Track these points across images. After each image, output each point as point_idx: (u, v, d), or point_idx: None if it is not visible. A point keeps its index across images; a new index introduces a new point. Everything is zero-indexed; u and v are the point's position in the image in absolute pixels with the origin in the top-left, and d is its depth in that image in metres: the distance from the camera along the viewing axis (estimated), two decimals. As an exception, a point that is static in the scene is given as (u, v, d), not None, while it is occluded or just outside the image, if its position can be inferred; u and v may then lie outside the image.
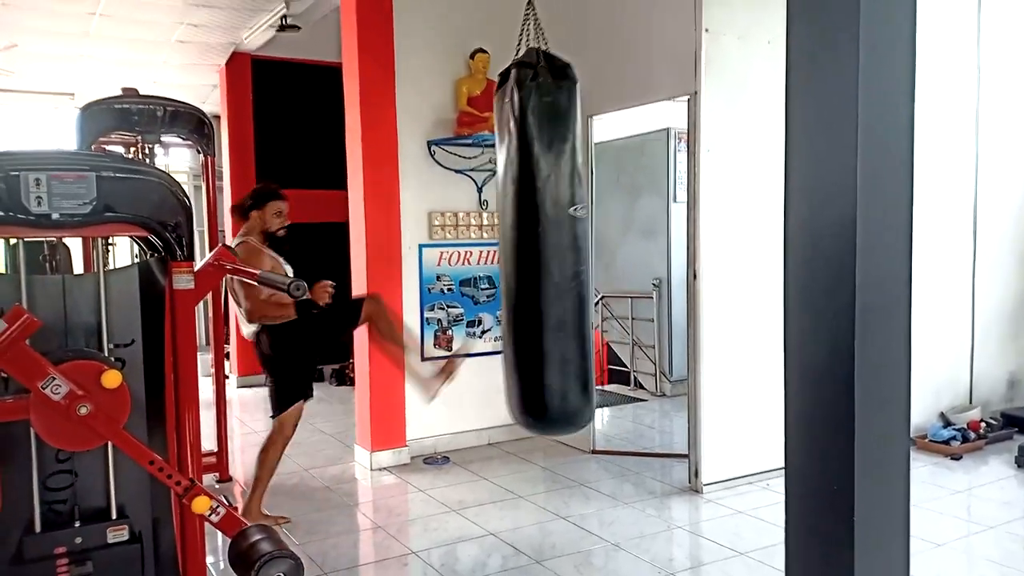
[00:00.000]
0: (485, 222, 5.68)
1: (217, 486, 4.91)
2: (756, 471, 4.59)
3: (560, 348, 3.20)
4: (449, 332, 5.60)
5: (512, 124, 3.17)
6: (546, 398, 3.23)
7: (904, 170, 1.90)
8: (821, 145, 1.92)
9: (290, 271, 4.19)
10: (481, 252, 5.69)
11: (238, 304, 4.09)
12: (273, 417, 4.18)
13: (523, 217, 3.17)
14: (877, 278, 1.88)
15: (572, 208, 3.19)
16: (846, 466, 1.89)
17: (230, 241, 4.14)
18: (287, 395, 4.16)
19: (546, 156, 3.15)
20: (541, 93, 3.14)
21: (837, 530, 1.91)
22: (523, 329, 3.24)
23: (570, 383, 3.23)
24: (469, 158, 5.57)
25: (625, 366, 7.72)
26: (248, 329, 4.18)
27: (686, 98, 4.48)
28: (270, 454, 4.14)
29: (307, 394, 4.24)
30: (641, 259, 7.46)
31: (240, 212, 4.27)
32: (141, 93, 5.02)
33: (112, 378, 1.97)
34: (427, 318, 5.51)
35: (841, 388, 1.88)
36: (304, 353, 4.24)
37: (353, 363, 5.79)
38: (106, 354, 2.14)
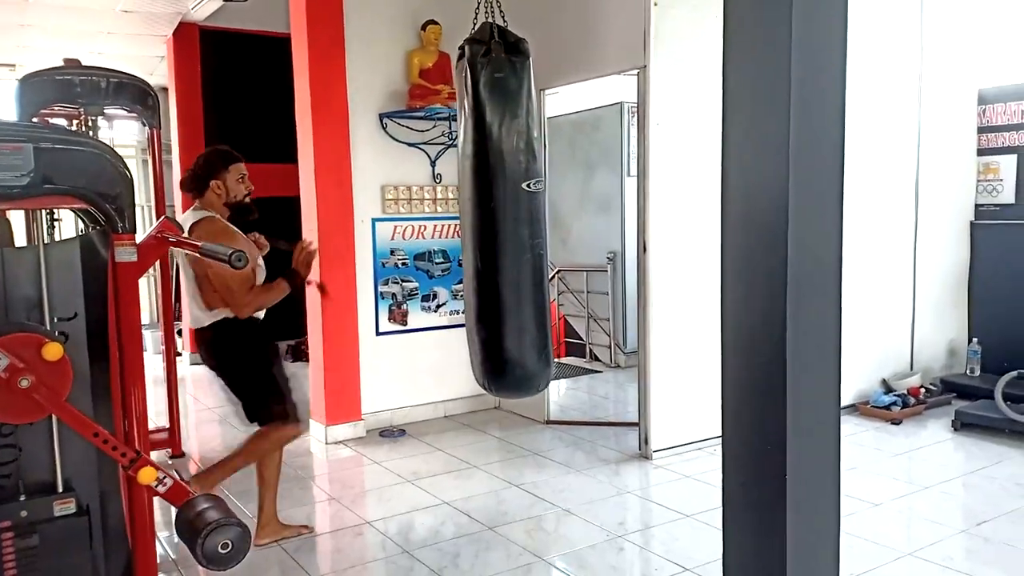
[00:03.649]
0: (439, 196, 5.68)
1: (170, 462, 4.89)
2: (703, 437, 4.72)
3: (518, 316, 3.28)
4: (404, 306, 5.61)
5: (467, 100, 3.20)
6: (505, 362, 3.32)
7: (835, 144, 1.96)
8: (755, 120, 1.97)
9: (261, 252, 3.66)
10: (435, 226, 5.69)
11: (200, 290, 3.46)
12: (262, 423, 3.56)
13: (480, 190, 3.23)
14: (809, 247, 1.94)
15: (526, 183, 3.24)
16: (778, 427, 1.96)
17: (179, 216, 3.73)
18: (260, 400, 3.54)
19: (499, 131, 3.19)
20: (493, 69, 3.17)
21: (770, 488, 1.99)
22: (484, 298, 3.30)
23: (527, 349, 3.32)
24: (422, 131, 5.55)
25: (581, 339, 7.81)
26: (205, 319, 3.49)
27: (636, 72, 4.52)
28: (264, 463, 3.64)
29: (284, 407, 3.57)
30: (596, 233, 7.53)
31: (194, 184, 3.56)
32: (84, 64, 4.90)
33: (53, 350, 1.95)
34: (381, 292, 5.51)
35: (774, 352, 1.95)
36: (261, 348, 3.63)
37: (308, 339, 5.78)
38: (48, 327, 2.12)
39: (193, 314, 3.56)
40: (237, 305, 3.39)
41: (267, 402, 3.51)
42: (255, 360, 3.55)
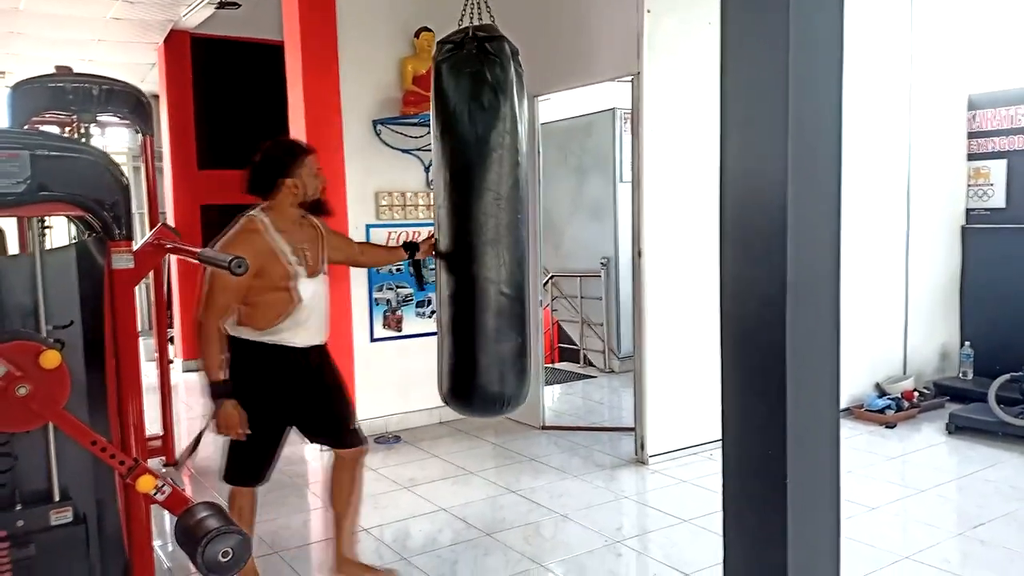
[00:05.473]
0: (432, 201, 5.66)
1: (164, 470, 4.86)
2: (700, 442, 4.73)
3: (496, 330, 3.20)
4: (398, 312, 5.60)
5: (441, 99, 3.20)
6: (477, 381, 3.22)
7: (832, 152, 1.97)
8: (753, 127, 1.97)
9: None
10: (430, 232, 5.66)
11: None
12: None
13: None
14: (807, 254, 1.94)
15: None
16: (778, 432, 1.96)
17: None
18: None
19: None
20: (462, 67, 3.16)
21: (771, 493, 1.99)
22: (458, 311, 3.27)
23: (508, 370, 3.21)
24: (415, 137, 5.55)
25: (575, 344, 7.82)
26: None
27: (629, 78, 4.54)
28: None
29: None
30: (589, 239, 7.54)
31: (262, 185, 3.06)
32: (76, 71, 4.89)
33: (51, 358, 1.94)
34: (376, 298, 5.50)
35: (773, 358, 1.95)
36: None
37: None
38: (44, 335, 2.11)
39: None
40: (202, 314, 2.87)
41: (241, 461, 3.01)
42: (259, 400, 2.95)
